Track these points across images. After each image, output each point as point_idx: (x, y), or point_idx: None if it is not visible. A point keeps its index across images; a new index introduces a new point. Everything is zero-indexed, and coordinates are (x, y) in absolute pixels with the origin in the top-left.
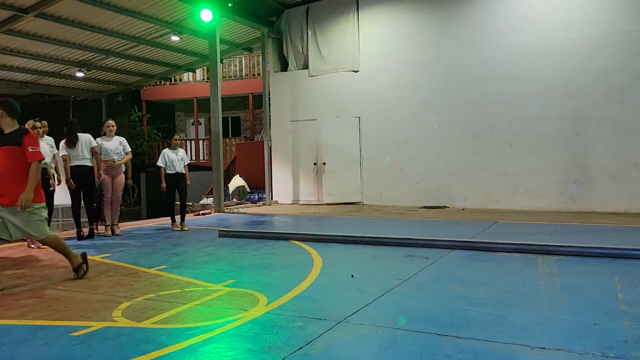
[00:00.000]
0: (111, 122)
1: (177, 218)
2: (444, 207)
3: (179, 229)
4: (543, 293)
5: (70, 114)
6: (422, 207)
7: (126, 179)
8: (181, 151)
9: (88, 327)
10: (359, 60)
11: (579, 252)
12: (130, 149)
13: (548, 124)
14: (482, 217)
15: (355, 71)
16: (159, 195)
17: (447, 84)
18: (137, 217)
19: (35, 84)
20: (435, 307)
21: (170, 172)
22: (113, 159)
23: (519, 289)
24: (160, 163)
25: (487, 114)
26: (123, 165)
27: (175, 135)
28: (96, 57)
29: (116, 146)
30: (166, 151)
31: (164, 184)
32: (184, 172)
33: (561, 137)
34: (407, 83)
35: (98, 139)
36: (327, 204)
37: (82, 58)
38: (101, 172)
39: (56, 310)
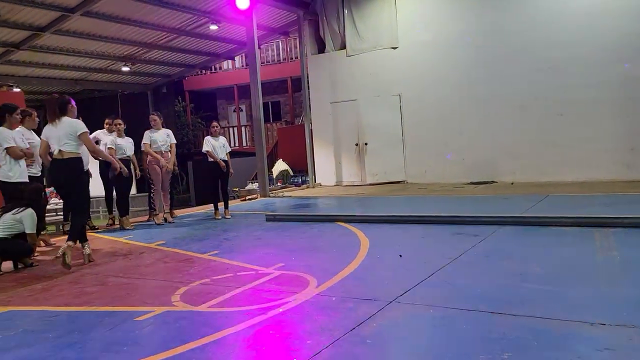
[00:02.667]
0: (153, 116)
1: (220, 205)
2: (492, 182)
3: (220, 217)
4: (601, 267)
5: (119, 108)
6: (468, 183)
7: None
8: (222, 138)
9: (149, 311)
10: (397, 36)
11: (638, 224)
12: (175, 141)
13: (600, 91)
14: (532, 191)
15: (394, 48)
16: (206, 182)
17: (490, 55)
18: (187, 204)
19: (85, 81)
20: (488, 285)
21: (213, 159)
22: (161, 150)
23: (575, 264)
24: (207, 148)
25: (534, 83)
26: (169, 155)
27: (214, 123)
28: (140, 51)
29: (164, 138)
30: (209, 138)
31: (218, 159)
32: (226, 159)
33: (615, 103)
34: (448, 56)
35: (147, 132)
36: (370, 185)
37: (126, 53)
38: (151, 163)
39: (119, 297)
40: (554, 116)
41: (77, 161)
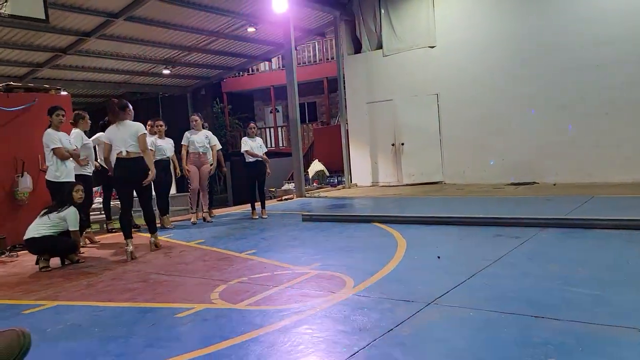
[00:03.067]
0: (194, 117)
1: (257, 205)
2: (533, 183)
3: (257, 217)
4: None
5: (159, 110)
6: (508, 184)
7: (219, 168)
8: (259, 139)
9: (190, 308)
10: (435, 36)
11: None
12: (216, 143)
13: None
14: (576, 192)
15: (432, 47)
16: (244, 182)
17: (531, 53)
18: (224, 203)
19: (128, 84)
20: (530, 288)
21: (250, 159)
22: (199, 152)
23: (622, 268)
24: (245, 147)
25: (577, 82)
26: (208, 155)
27: (251, 124)
28: (180, 54)
29: (202, 139)
30: (246, 139)
31: (261, 154)
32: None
33: None
34: (487, 55)
35: (186, 132)
36: (407, 185)
37: (167, 56)
38: (188, 163)
39: (160, 293)
40: (598, 115)
41: (142, 160)
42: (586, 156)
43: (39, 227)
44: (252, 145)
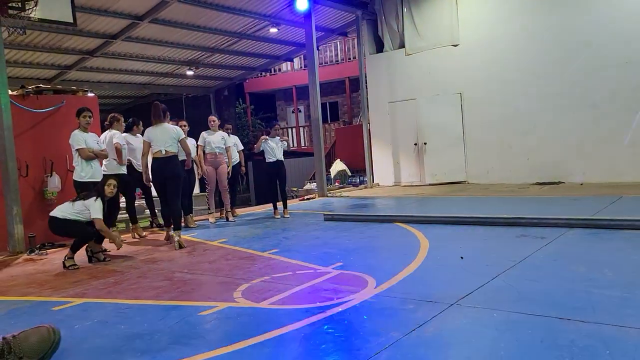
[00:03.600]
0: (212, 117)
1: (280, 204)
2: (559, 182)
3: (279, 217)
4: None
5: (183, 110)
6: (534, 184)
7: (240, 167)
8: (278, 138)
9: (213, 307)
10: (458, 34)
11: None
12: (231, 144)
13: None
14: (604, 192)
15: (455, 45)
16: (266, 182)
17: (558, 51)
18: (247, 203)
19: (152, 85)
20: (556, 290)
21: (271, 159)
22: (215, 152)
23: None
24: (261, 147)
25: (607, 80)
26: (225, 156)
27: (276, 125)
28: (203, 55)
29: (218, 140)
30: (266, 139)
31: (257, 144)
32: (282, 159)
33: None
34: (513, 53)
35: (203, 133)
36: (429, 185)
37: (191, 57)
38: (205, 163)
39: (184, 292)
40: (629, 114)
41: (177, 159)
42: (616, 156)
43: (65, 209)
44: (273, 146)
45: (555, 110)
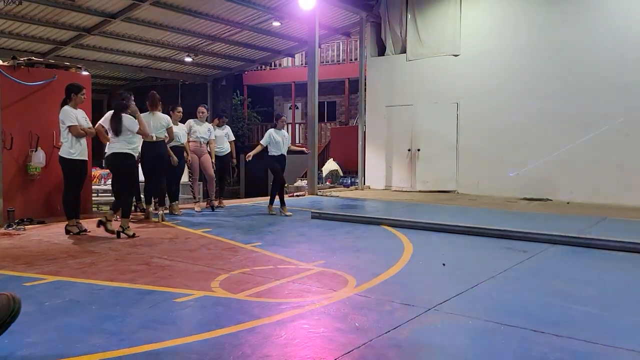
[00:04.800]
0: (202, 108)
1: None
2: (547, 199)
3: (275, 214)
4: None
5: (179, 97)
6: (522, 199)
7: (231, 159)
8: (284, 132)
9: (189, 294)
10: (460, 44)
11: None
12: (214, 137)
13: None
14: (589, 212)
15: (456, 55)
16: (258, 175)
17: (555, 69)
18: (236, 195)
19: (149, 69)
20: (532, 303)
21: (275, 153)
22: (200, 142)
23: (628, 290)
24: (263, 142)
25: (601, 101)
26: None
27: (283, 117)
28: (203, 42)
29: (204, 131)
30: (271, 132)
31: (252, 153)
32: (285, 154)
33: None
34: (510, 67)
35: (191, 121)
36: (420, 191)
37: (190, 44)
38: (188, 152)
39: (161, 277)
40: (620, 137)
41: (165, 144)
42: (603, 177)
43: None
44: (278, 140)
45: (547, 126)
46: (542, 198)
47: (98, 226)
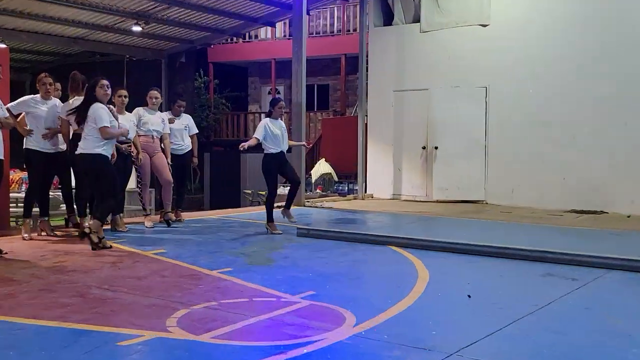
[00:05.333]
0: (155, 92)
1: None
2: (601, 212)
3: (279, 232)
4: None
5: (124, 77)
6: (569, 211)
7: (192, 157)
8: (281, 122)
9: (137, 336)
10: (490, 11)
11: None
12: (168, 130)
13: None
14: None
15: (484, 25)
16: (226, 180)
17: (614, 45)
18: (199, 206)
19: (85, 40)
20: (584, 345)
21: (273, 150)
22: (152, 136)
23: None
24: (258, 135)
25: None
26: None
27: (281, 102)
28: (156, 6)
29: (158, 122)
30: (267, 122)
31: (247, 144)
32: (284, 150)
33: None
34: (555, 43)
35: (140, 109)
36: (437, 202)
37: (139, 8)
38: (139, 150)
39: (101, 314)
40: None
41: None
42: None
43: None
44: (277, 133)
45: (602, 118)
46: (595, 210)
47: (82, 238)
